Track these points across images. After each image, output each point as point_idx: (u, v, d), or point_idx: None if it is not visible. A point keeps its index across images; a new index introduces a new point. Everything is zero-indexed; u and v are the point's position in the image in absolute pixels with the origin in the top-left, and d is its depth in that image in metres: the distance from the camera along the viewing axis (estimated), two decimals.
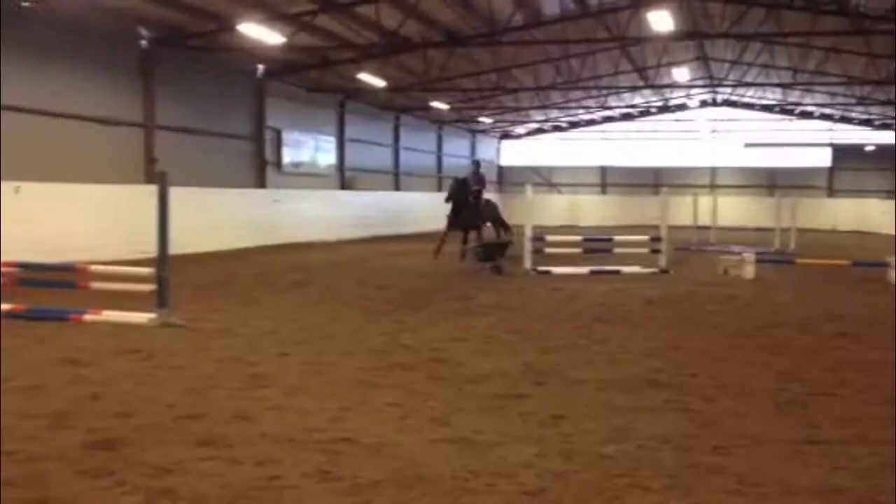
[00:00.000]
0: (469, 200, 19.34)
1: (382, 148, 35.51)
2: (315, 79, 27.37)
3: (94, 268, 10.16)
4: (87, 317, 9.41)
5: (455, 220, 19.30)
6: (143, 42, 20.54)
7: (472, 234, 19.57)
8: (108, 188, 18.21)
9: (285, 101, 27.20)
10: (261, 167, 26.33)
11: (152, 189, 15.71)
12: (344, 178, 31.51)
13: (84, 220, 16.97)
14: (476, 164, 21.28)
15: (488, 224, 21.03)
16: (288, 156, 27.68)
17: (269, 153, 26.71)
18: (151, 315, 9.19)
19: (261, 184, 26.19)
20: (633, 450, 4.99)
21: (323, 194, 28.52)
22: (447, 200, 19.28)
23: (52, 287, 10.68)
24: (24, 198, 15.70)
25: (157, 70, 21.01)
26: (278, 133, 27.15)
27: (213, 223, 20.64)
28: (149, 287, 9.42)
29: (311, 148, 29.26)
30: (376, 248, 23.67)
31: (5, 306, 9.78)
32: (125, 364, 7.26)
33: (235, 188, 23.66)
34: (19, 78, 17.11)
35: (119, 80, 20.08)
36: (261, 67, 25.56)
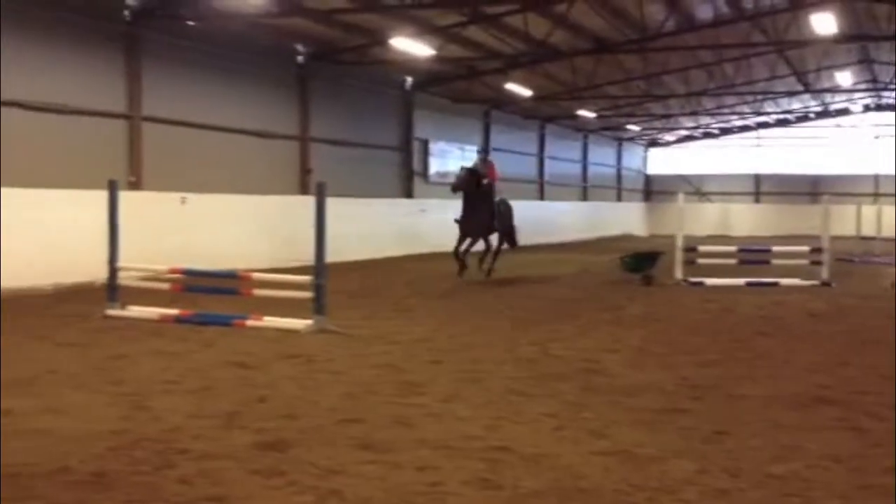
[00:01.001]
0: (482, 194, 16.23)
1: (527, 157, 35.51)
2: (462, 89, 27.70)
3: (255, 275, 10.62)
4: (249, 322, 9.85)
5: (468, 222, 16.15)
6: (300, 57, 21.39)
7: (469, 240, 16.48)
8: (265, 198, 19.05)
9: (432, 111, 27.68)
10: (408, 177, 26.87)
11: (306, 199, 16.31)
12: None
13: (242, 229, 17.81)
14: (483, 153, 18.21)
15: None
16: (434, 166, 28.13)
17: (416, 163, 27.24)
18: (309, 321, 9.52)
19: (408, 193, 26.72)
20: (802, 469, 4.78)
21: None
22: (455, 190, 16.19)
23: (215, 293, 11.23)
24: (189, 208, 16.65)
25: (311, 84, 21.85)
26: (425, 143, 27.65)
27: (362, 232, 21.19)
28: (307, 294, 9.78)
29: (456, 157, 29.57)
30: (522, 258, 23.64)
31: (174, 311, 10.39)
32: (287, 368, 7.56)
33: (384, 198, 24.25)
34: (186, 94, 18.16)
35: (276, 94, 20.99)
36: (409, 79, 26.11)
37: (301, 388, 6.78)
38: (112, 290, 10.75)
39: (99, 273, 11.25)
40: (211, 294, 11.29)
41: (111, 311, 10.54)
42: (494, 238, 16.90)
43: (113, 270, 10.80)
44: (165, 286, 11.18)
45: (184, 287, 11.24)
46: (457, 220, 16.10)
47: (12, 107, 14.72)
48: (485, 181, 16.28)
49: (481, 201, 16.03)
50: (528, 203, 33.42)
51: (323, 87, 22.21)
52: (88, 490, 4.31)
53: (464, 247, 16.23)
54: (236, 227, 17.72)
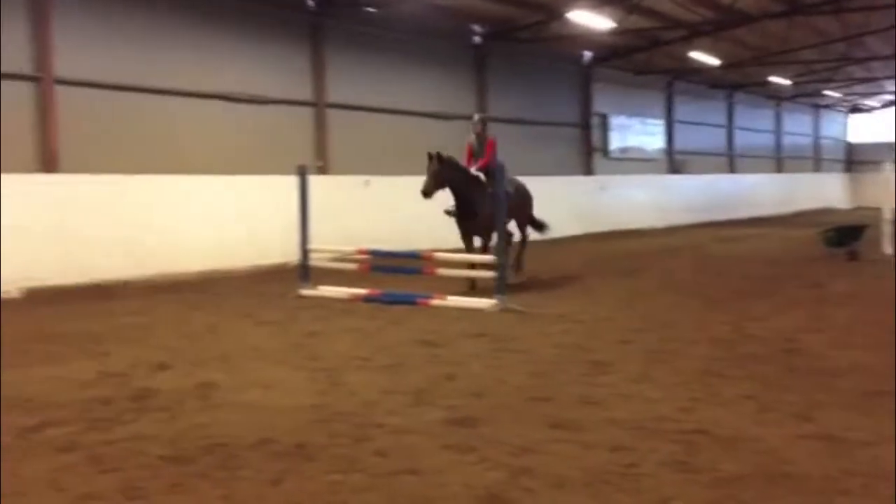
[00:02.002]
0: (475, 179, 11.82)
1: (714, 129, 34.16)
2: (643, 61, 26.98)
3: (438, 255, 10.84)
4: (434, 301, 10.07)
5: (465, 217, 11.88)
6: (476, 37, 21.55)
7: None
8: None
9: (611, 85, 27.14)
10: (588, 154, 26.52)
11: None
12: (673, 161, 30.81)
13: (422, 210, 18.13)
14: (481, 122, 12.50)
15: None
16: (615, 141, 27.59)
17: (595, 139, 26.84)
18: (492, 301, 9.62)
19: (587, 171, 26.38)
20: None
21: (651, 179, 28.12)
22: (426, 194, 11.36)
23: (400, 273, 11.55)
24: (372, 191, 17.20)
25: (488, 63, 21.95)
26: (605, 118, 27.18)
27: (540, 211, 21.08)
28: (489, 274, 9.88)
29: (637, 132, 28.92)
30: (710, 234, 22.87)
31: (362, 291, 10.78)
32: (473, 346, 7.67)
33: (563, 176, 24.06)
34: (367, 79, 18.73)
35: (453, 75, 21.24)
36: (587, 54, 25.72)
37: (487, 366, 6.87)
38: (304, 270, 11.29)
39: (292, 255, 11.84)
40: (395, 274, 11.63)
41: (304, 291, 11.07)
42: (514, 231, 12.84)
43: (304, 252, 11.34)
44: (353, 267, 11.61)
45: (370, 267, 11.63)
46: (449, 212, 11.99)
47: (215, 99, 15.75)
48: (474, 169, 11.91)
49: (476, 188, 11.74)
50: (717, 177, 32.27)
51: (499, 65, 22.27)
52: (292, 461, 4.56)
53: (473, 253, 11.87)
54: (417, 208, 18.06)
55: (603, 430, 5.02)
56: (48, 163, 13.60)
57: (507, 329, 8.51)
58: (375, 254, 11.75)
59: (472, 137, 12.36)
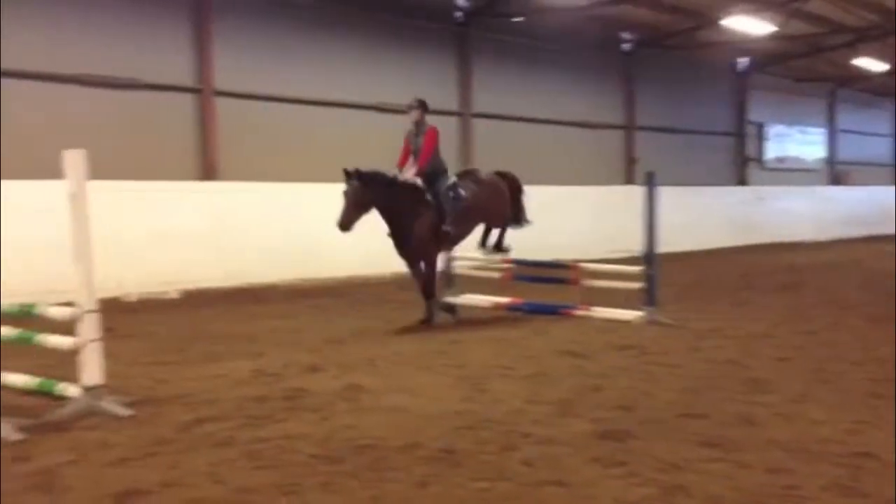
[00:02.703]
0: (402, 195, 9.34)
1: (880, 139, 32.42)
2: (802, 67, 25.93)
3: (584, 266, 10.73)
4: (578, 312, 9.97)
5: (401, 250, 9.67)
6: (625, 45, 21.27)
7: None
8: (589, 189, 19.17)
9: (768, 93, 26.21)
10: (742, 164, 25.69)
11: (632, 189, 16.16)
12: (835, 172, 29.44)
13: (566, 219, 18.08)
14: (420, 106, 9.73)
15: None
16: (771, 151, 26.63)
17: (750, 149, 25.97)
18: (639, 312, 9.44)
19: (741, 181, 25.55)
20: None
21: (810, 190, 26.94)
22: (343, 227, 9.09)
23: (543, 283, 11.48)
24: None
25: (637, 71, 21.63)
26: (760, 127, 26.27)
27: (690, 222, 20.61)
28: (636, 285, 9.70)
29: (796, 141, 27.81)
30: (873, 249, 21.67)
31: (505, 299, 10.79)
32: (620, 359, 7.55)
33: (715, 186, 23.40)
34: (512, 89, 18.80)
35: (600, 83, 21.05)
36: (742, 61, 24.94)
37: (635, 379, 6.74)
38: (448, 278, 11.41)
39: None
40: (539, 283, 11.58)
41: (448, 298, 11.18)
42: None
43: (448, 260, 11.47)
44: (495, 275, 11.64)
45: (514, 276, 11.63)
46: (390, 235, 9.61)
47: (363, 109, 16.24)
48: (404, 175, 9.50)
49: (410, 203, 9.37)
50: (881, 189, 30.57)
51: (648, 73, 21.90)
52: (439, 465, 4.61)
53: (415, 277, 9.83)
54: (561, 217, 18.03)
55: (760, 450, 4.83)
56: (208, 171, 14.34)
57: (655, 342, 8.33)
58: (519, 263, 11.75)
59: (409, 129, 9.70)
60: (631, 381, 6.65)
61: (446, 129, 17.73)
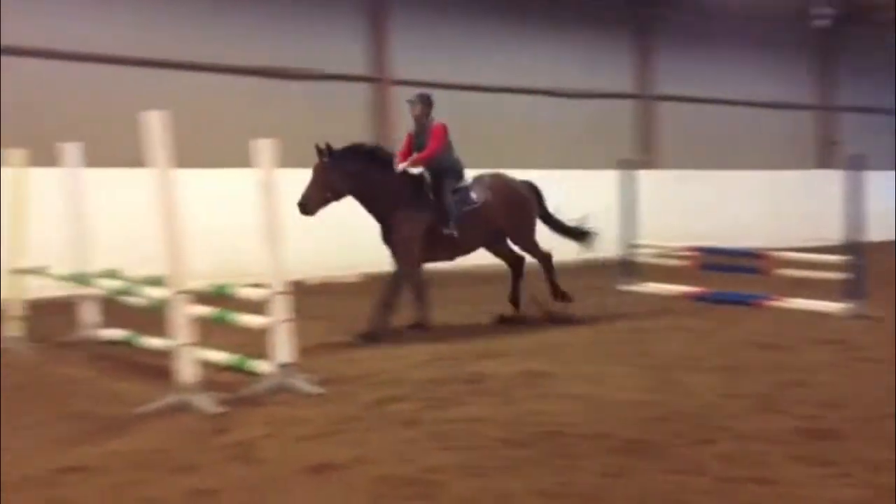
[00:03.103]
0: (393, 184, 8.30)
1: None
2: None
3: (777, 254, 10.21)
4: (771, 303, 9.49)
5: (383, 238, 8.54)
6: (821, 21, 20.05)
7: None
8: (779, 174, 18.25)
9: None
10: None
11: (829, 174, 15.28)
12: None
13: (753, 205, 17.30)
14: (421, 101, 8.69)
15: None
16: None
17: None
18: (843, 305, 8.87)
19: None
20: None
21: None
22: (304, 208, 7.86)
23: (733, 272, 11.01)
24: (696, 186, 16.65)
25: (835, 48, 20.37)
26: None
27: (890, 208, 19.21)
28: (836, 275, 9.12)
29: None
30: None
31: (690, 288, 10.42)
32: (822, 353, 7.10)
33: None
34: (695, 70, 18.18)
35: (792, 62, 19.97)
36: None
37: (841, 375, 6.32)
38: (627, 266, 11.18)
39: (610, 250, 11.80)
40: (726, 272, 11.12)
41: (625, 287, 10.96)
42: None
43: (628, 247, 11.23)
44: (678, 263, 11.28)
45: (700, 265, 11.22)
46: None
47: (539, 94, 16.16)
48: (404, 165, 8.43)
49: (403, 195, 8.33)
50: None
51: (848, 50, 20.57)
52: (630, 456, 4.47)
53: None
54: (748, 203, 17.29)
55: None
56: None
57: (861, 337, 7.79)
58: (705, 251, 11.33)
59: (413, 128, 8.73)
60: (835, 378, 6.24)
61: (620, 112, 17.43)
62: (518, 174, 14.65)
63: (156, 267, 6.34)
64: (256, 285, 6.10)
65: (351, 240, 12.52)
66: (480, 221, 8.68)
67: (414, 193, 8.37)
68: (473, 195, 8.69)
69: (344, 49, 14.44)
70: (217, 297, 6.26)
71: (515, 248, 9.36)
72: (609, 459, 4.43)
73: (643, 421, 5.11)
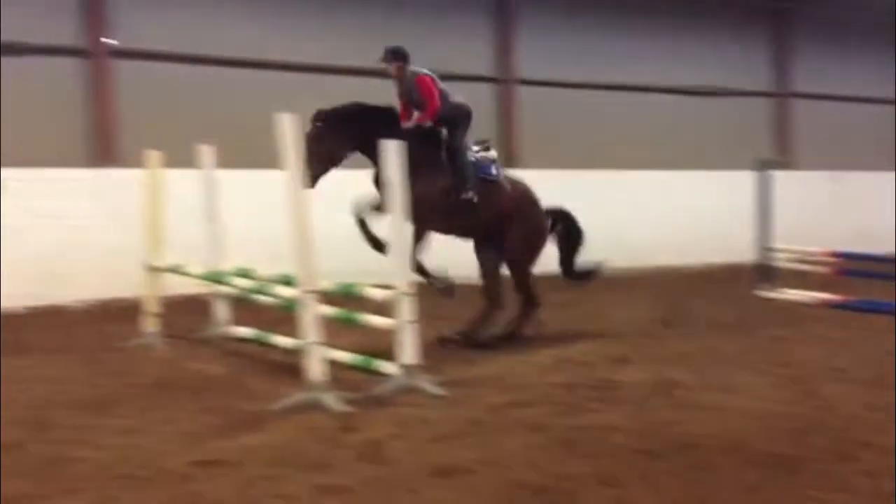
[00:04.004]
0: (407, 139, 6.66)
1: None
2: None
3: None
4: None
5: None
6: None
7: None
8: None
9: None
10: None
11: None
12: None
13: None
14: (393, 56, 7.78)
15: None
16: None
17: None
18: None
19: None
20: None
21: None
22: (313, 180, 6.94)
23: (876, 279, 10.52)
24: (840, 188, 15.99)
25: None
26: None
27: None
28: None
29: None
30: None
31: (832, 296, 10.02)
32: None
33: None
34: (838, 69, 17.48)
35: None
36: None
37: None
38: (764, 271, 10.84)
39: (744, 254, 11.48)
40: (868, 279, 10.63)
41: (762, 293, 10.62)
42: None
43: (765, 252, 10.89)
44: (817, 268, 10.87)
45: (840, 270, 10.78)
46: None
47: (670, 93, 15.88)
48: (409, 122, 7.72)
49: (418, 151, 7.07)
50: None
51: None
52: (769, 471, 4.33)
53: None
54: (881, 206, 16.49)
55: None
56: (508, 159, 14.67)
57: None
58: (846, 256, 10.87)
59: (404, 82, 7.80)
60: None
61: (755, 112, 16.88)
62: (654, 175, 14.41)
63: (283, 266, 6.59)
64: (382, 286, 6.20)
65: (463, 243, 12.60)
66: (491, 202, 7.75)
67: (428, 152, 7.51)
68: (493, 169, 7.95)
69: (468, 49, 14.52)
70: (343, 296, 6.40)
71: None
72: (747, 473, 4.30)
73: (782, 433, 4.95)
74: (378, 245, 7.32)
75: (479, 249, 8.24)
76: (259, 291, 7.19)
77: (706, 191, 14.91)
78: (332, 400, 5.51)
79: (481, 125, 14.36)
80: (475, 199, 7.62)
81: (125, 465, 4.49)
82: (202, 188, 8.14)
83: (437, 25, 14.21)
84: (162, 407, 5.72)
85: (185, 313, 8.84)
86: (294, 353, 6.30)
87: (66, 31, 11.82)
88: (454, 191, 7.55)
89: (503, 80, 14.80)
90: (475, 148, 8.02)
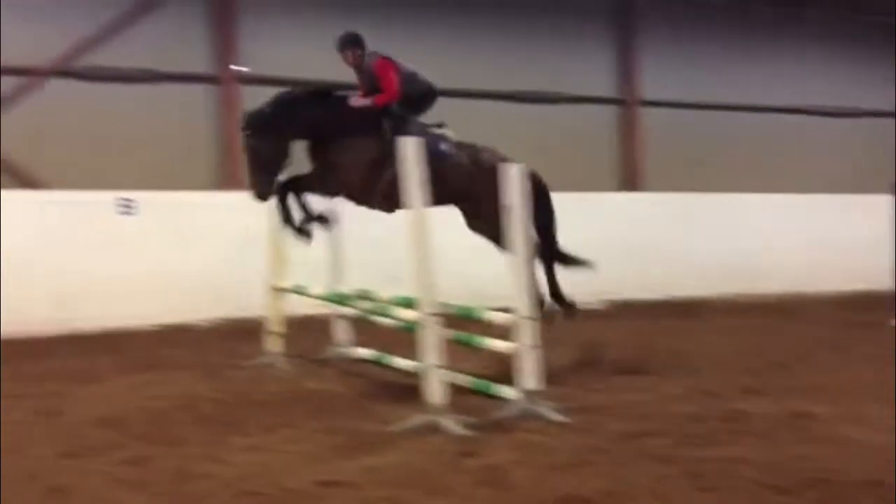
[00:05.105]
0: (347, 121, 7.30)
1: None
2: None
3: None
4: None
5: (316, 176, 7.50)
6: None
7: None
8: None
9: None
10: None
11: None
12: None
13: None
14: (345, 44, 7.55)
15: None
16: None
17: None
18: None
19: None
20: None
21: None
22: (261, 195, 7.30)
23: None
24: None
25: None
26: None
27: None
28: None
29: None
30: None
31: None
32: None
33: None
34: None
35: None
36: None
37: None
38: None
39: (884, 281, 11.01)
40: None
41: None
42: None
43: None
44: None
45: None
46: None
47: (799, 114, 15.41)
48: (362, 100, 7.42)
49: (348, 127, 7.28)
50: None
51: None
52: None
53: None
54: None
55: None
56: (630, 182, 14.51)
57: None
58: None
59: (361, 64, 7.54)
60: None
61: (892, 133, 16.19)
62: (783, 198, 13.96)
63: (397, 288, 6.71)
64: (502, 309, 6.18)
65: (597, 264, 12.47)
66: (437, 177, 6.59)
67: (365, 120, 7.25)
68: (444, 147, 7.50)
69: (589, 71, 14.48)
70: (461, 319, 6.42)
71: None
72: None
73: None
74: (297, 228, 7.35)
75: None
76: (379, 313, 7.29)
77: (839, 215, 14.38)
78: (451, 423, 5.52)
79: (601, 147, 14.46)
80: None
81: (250, 483, 4.60)
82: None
83: (556, 47, 14.23)
84: (285, 425, 5.84)
85: (306, 333, 9.04)
86: (412, 374, 6.34)
87: (197, 59, 12.37)
88: (388, 164, 6.84)
89: (625, 102, 14.68)
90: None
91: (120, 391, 7.08)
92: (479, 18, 13.92)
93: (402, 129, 7.13)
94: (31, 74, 11.74)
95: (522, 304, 5.96)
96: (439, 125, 7.75)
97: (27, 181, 11.42)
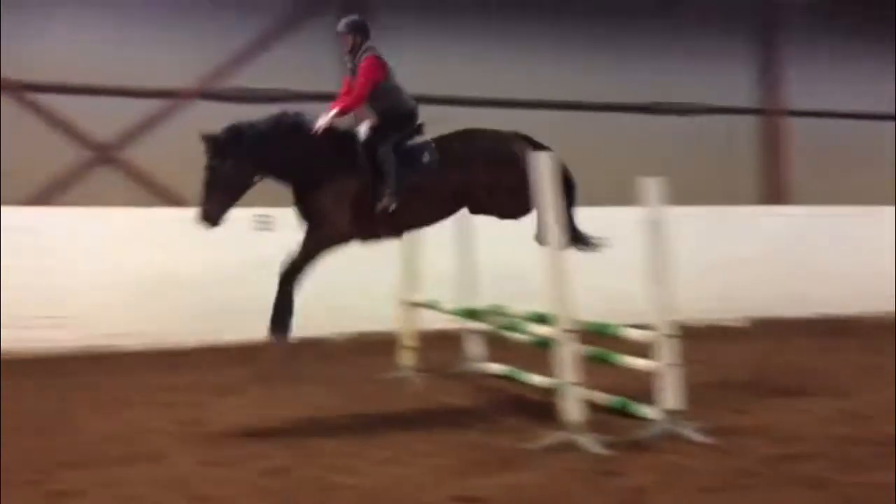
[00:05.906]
0: (316, 152, 6.65)
1: None
2: None
3: None
4: None
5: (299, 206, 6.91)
6: None
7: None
8: None
9: None
10: None
11: None
12: None
13: None
14: (349, 28, 6.82)
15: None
16: None
17: None
18: None
19: None
20: None
21: None
22: (209, 219, 6.55)
23: None
24: None
25: None
26: None
27: None
28: None
29: None
30: None
31: None
32: None
33: None
34: None
35: None
36: None
37: None
38: None
39: None
40: None
41: None
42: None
43: None
44: None
45: None
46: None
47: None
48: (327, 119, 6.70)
49: (318, 155, 6.70)
50: None
51: None
52: None
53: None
54: None
55: None
56: (775, 196, 14.03)
57: None
58: None
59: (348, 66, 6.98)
60: None
61: None
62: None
63: (526, 303, 6.64)
64: (640, 326, 6.04)
65: (738, 282, 12.05)
66: (436, 190, 6.72)
67: (338, 156, 6.71)
68: (427, 156, 6.82)
69: (730, 81, 14.12)
70: (595, 335, 6.29)
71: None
72: None
73: None
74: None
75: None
76: (513, 328, 7.24)
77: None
78: (589, 442, 5.43)
79: (743, 159, 14.00)
80: (391, 208, 6.62)
81: (387, 495, 4.64)
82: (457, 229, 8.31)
83: (696, 58, 13.95)
84: (420, 440, 5.87)
85: (439, 348, 9.06)
86: (546, 390, 6.26)
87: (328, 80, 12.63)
88: (371, 196, 6.61)
89: (769, 112, 14.23)
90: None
91: (257, 402, 7.26)
92: (617, 29, 13.76)
93: (379, 155, 6.70)
94: (177, 97, 12.29)
95: (662, 321, 5.81)
96: (418, 129, 7.02)
97: (173, 199, 11.91)
